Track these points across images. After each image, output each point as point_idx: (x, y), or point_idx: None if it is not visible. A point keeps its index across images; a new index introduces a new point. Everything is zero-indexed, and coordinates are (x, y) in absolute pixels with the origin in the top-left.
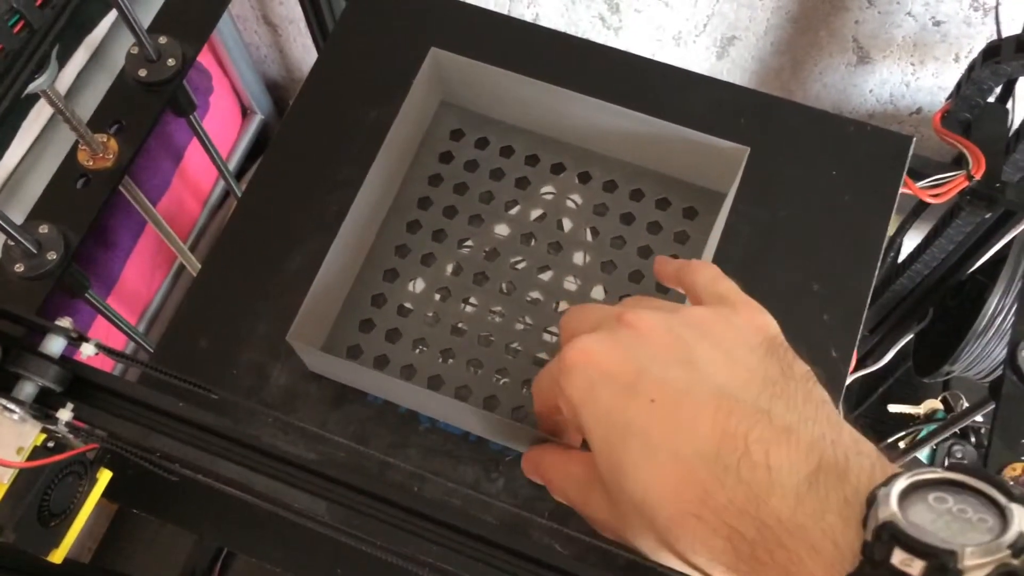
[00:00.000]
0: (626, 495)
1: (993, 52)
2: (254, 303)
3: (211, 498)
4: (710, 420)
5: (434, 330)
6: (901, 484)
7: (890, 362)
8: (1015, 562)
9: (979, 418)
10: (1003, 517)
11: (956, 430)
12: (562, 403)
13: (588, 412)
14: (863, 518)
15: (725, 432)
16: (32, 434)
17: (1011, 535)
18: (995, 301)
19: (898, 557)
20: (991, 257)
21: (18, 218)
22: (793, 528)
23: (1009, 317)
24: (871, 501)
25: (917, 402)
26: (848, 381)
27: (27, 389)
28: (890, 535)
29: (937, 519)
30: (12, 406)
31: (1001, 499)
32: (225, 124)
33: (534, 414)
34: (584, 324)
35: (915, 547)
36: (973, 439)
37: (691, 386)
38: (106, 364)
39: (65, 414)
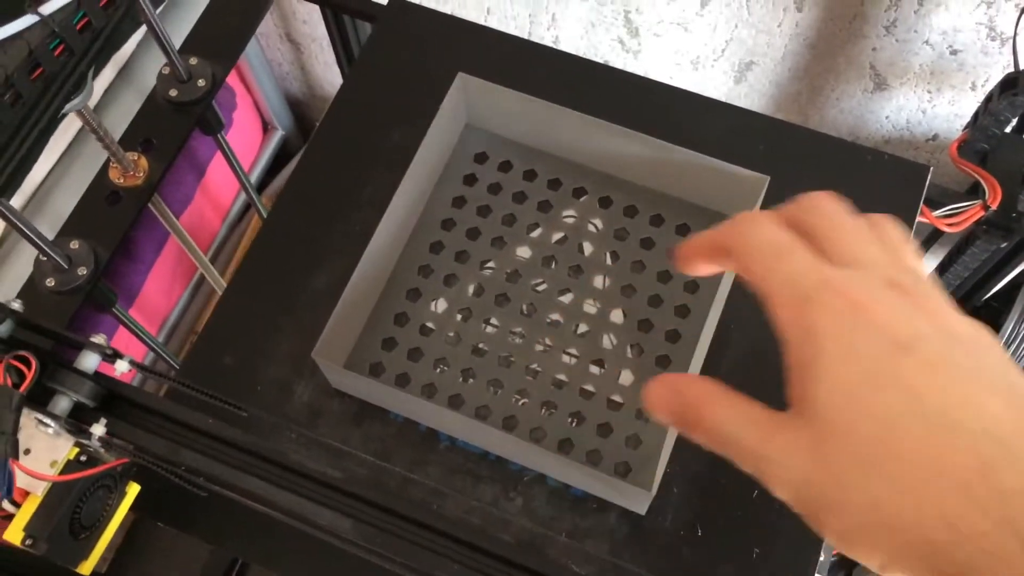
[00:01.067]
0: (858, 442)
1: (1010, 84)
2: (279, 320)
3: (232, 512)
4: (1003, 404)
5: (455, 350)
6: None
7: None
8: None
9: None
10: None
11: None
12: (790, 315)
13: (837, 348)
14: None
15: (1019, 422)
16: (66, 448)
17: None
18: (1010, 328)
19: None
20: (1006, 284)
21: (45, 233)
22: None
23: (1023, 344)
24: None
25: None
26: None
27: (62, 404)
28: None
29: None
30: (48, 420)
31: None
32: (247, 139)
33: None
34: (843, 250)
35: None
36: None
37: (980, 370)
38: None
39: (99, 429)
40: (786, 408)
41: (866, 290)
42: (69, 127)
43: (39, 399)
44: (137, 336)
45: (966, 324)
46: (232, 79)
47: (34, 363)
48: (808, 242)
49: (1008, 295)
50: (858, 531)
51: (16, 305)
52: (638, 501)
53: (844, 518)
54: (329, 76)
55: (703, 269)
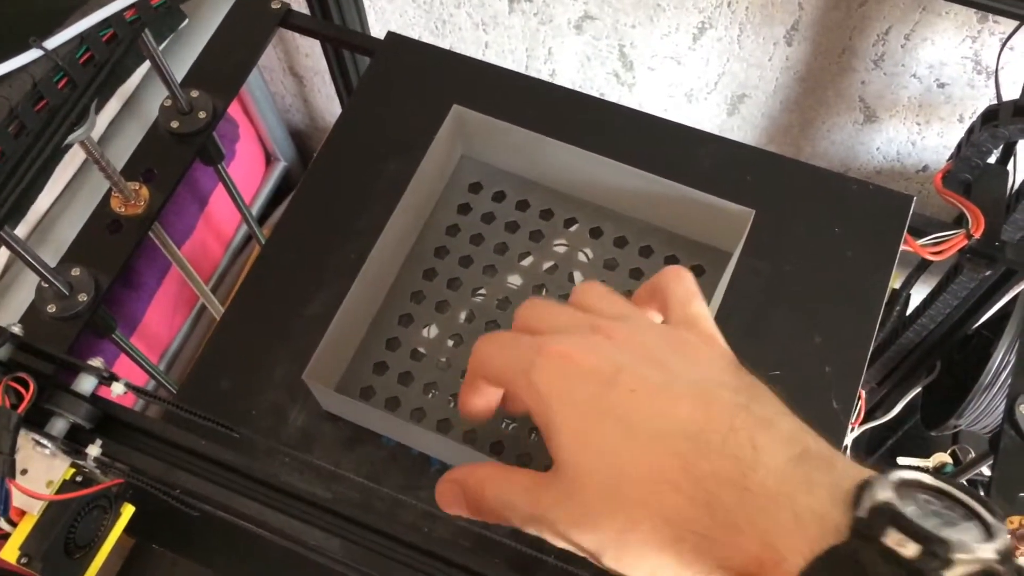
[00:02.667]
0: (597, 480)
1: (992, 116)
2: (274, 346)
3: (227, 535)
4: (690, 406)
5: (445, 375)
6: (899, 475)
7: (899, 415)
8: (1000, 567)
9: (987, 471)
10: (988, 531)
11: (963, 482)
12: (524, 393)
13: (562, 403)
14: (852, 500)
15: (707, 417)
16: (62, 468)
17: (998, 543)
18: (1000, 356)
19: (892, 538)
20: (996, 313)
21: (48, 260)
22: (779, 497)
23: (1013, 372)
24: (863, 486)
25: (927, 455)
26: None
27: (59, 425)
28: (888, 516)
29: (927, 516)
30: (44, 441)
31: (987, 516)
32: (250, 170)
33: (467, 383)
34: (551, 323)
35: (912, 531)
36: (981, 491)
37: (670, 382)
38: (125, 399)
39: (94, 450)
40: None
41: (570, 343)
42: (73, 159)
43: (36, 420)
44: (136, 362)
45: (661, 338)
46: (236, 111)
47: (32, 385)
48: (526, 332)
49: (998, 323)
50: (620, 555)
51: (16, 329)
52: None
53: (612, 547)
54: (331, 108)
55: (480, 405)
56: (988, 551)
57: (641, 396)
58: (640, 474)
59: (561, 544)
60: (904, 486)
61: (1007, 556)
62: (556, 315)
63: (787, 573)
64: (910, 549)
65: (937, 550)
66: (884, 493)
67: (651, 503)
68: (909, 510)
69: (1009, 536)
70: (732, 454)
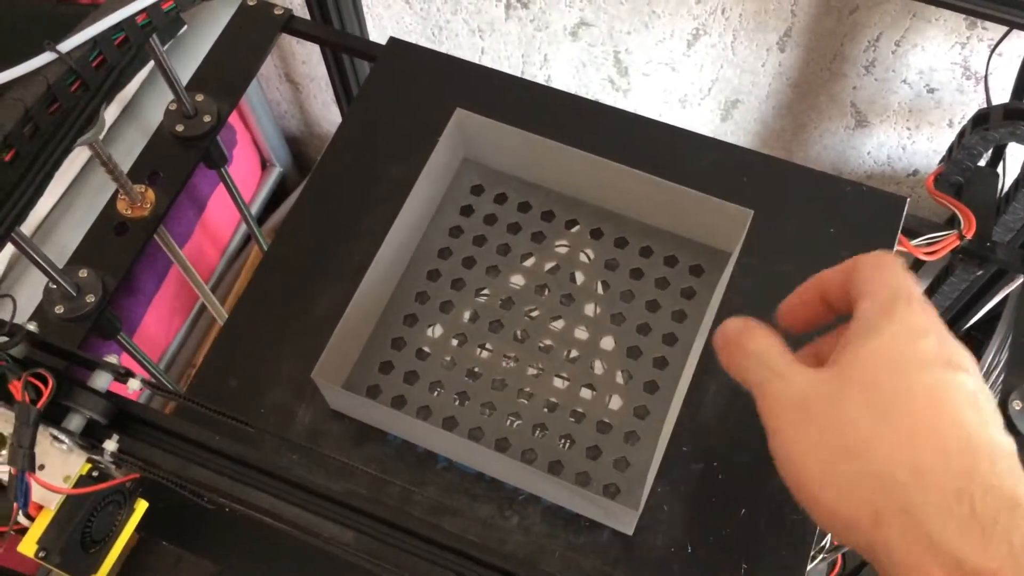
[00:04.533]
0: (877, 394)
1: (982, 119)
2: (281, 346)
3: (236, 531)
4: (998, 444)
5: (450, 373)
6: None
7: None
8: None
9: None
10: None
11: None
12: (880, 298)
13: (902, 333)
14: None
15: (993, 439)
16: (78, 463)
17: None
18: (991, 357)
19: None
20: (986, 314)
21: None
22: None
23: (1003, 373)
24: None
25: None
26: None
27: (75, 421)
28: None
29: None
30: (61, 436)
31: None
32: (246, 176)
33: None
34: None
35: None
36: None
37: (989, 404)
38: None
39: (111, 445)
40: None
41: (938, 322)
42: (73, 162)
43: (54, 416)
44: (140, 364)
45: (988, 392)
46: (232, 117)
47: (51, 381)
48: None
49: (988, 325)
50: (818, 447)
51: (31, 327)
52: (625, 521)
53: (814, 432)
54: (327, 115)
55: (822, 313)
56: None
57: (968, 395)
58: (922, 421)
59: (769, 409)
60: None
61: None
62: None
63: None
64: None
65: None
66: None
67: (912, 441)
68: None
69: None
70: (1009, 473)
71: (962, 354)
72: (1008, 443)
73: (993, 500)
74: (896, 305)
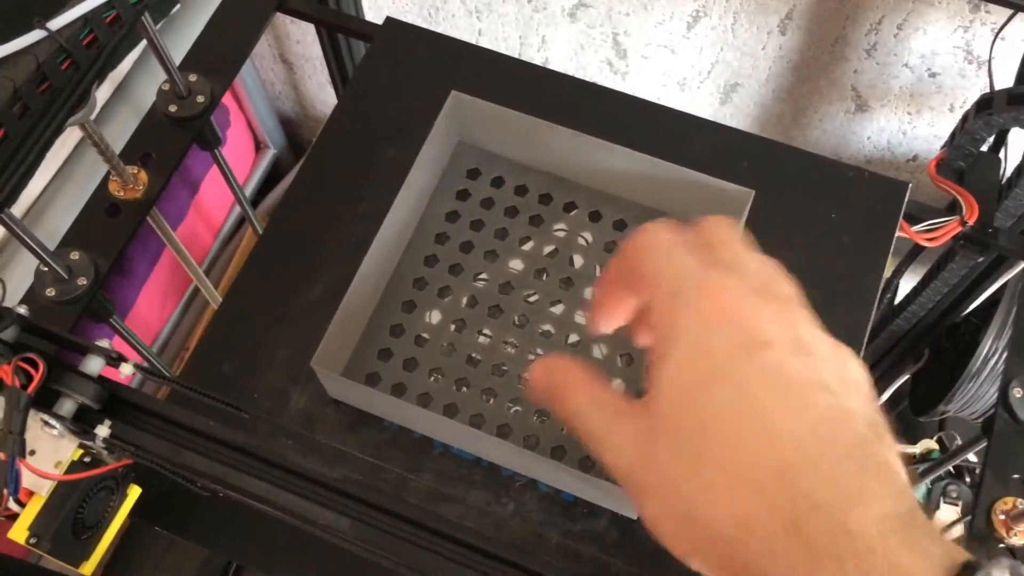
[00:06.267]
0: (683, 439)
1: (985, 104)
2: (276, 330)
3: (228, 517)
4: (820, 417)
5: (450, 360)
6: (1009, 563)
7: (887, 401)
8: None
9: (973, 457)
10: None
11: (950, 468)
12: (660, 307)
13: (691, 345)
14: (952, 572)
15: (832, 436)
16: (70, 449)
17: None
18: (988, 343)
19: None
20: (985, 300)
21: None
22: (876, 547)
23: (1002, 359)
24: (971, 566)
25: (913, 441)
26: None
27: (67, 406)
28: None
29: None
30: (53, 421)
31: None
32: (240, 157)
33: (606, 273)
34: (723, 256)
35: None
36: (967, 478)
37: (812, 384)
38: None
39: (103, 430)
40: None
41: (735, 293)
42: (65, 143)
43: (45, 401)
44: (133, 347)
45: (820, 340)
46: (226, 98)
47: (41, 366)
48: (698, 251)
49: (987, 311)
50: (665, 518)
51: (22, 310)
52: (629, 505)
53: (656, 505)
54: (321, 96)
55: (616, 311)
56: None
57: (774, 383)
58: (729, 456)
59: (610, 473)
60: (1014, 573)
61: None
62: (736, 251)
63: None
64: None
65: None
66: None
67: (727, 492)
68: None
69: None
70: (839, 485)
71: (757, 316)
72: (831, 408)
73: (819, 522)
74: (675, 305)
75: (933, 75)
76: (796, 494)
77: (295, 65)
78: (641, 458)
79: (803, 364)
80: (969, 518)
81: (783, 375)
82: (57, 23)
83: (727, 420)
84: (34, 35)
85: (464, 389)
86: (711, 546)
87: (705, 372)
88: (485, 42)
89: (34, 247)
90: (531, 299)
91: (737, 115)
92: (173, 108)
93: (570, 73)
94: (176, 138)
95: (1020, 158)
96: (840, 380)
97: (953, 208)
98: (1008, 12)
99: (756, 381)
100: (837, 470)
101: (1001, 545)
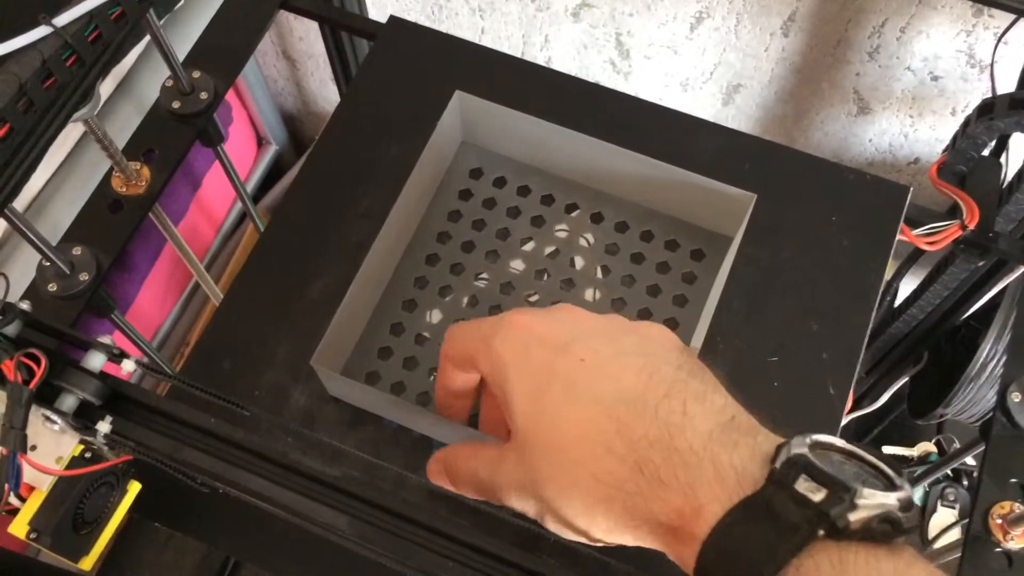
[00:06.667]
0: (542, 440)
1: (987, 109)
2: (276, 327)
3: (227, 513)
4: (633, 375)
5: None
6: (812, 437)
7: (885, 404)
8: (899, 513)
9: (970, 461)
10: (892, 485)
11: (948, 472)
12: (484, 360)
13: (517, 368)
14: (770, 458)
15: (647, 385)
16: (71, 444)
17: (901, 493)
18: (988, 347)
19: (803, 485)
20: (984, 304)
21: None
22: (702, 455)
23: (1001, 363)
24: (782, 446)
25: (911, 444)
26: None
27: (68, 401)
28: (801, 466)
29: (837, 469)
30: (54, 417)
31: (891, 472)
32: (242, 154)
33: (440, 372)
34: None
35: (821, 478)
36: (965, 481)
37: (617, 354)
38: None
39: (104, 426)
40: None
41: (531, 314)
42: (67, 139)
43: (46, 396)
44: (134, 343)
45: (614, 322)
46: (228, 94)
47: (43, 361)
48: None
49: (986, 315)
50: (572, 513)
51: (24, 305)
52: None
53: (549, 508)
54: (324, 93)
55: (455, 392)
56: (890, 499)
57: (589, 364)
58: (579, 435)
59: (518, 509)
60: (818, 446)
61: (907, 505)
62: (518, 310)
63: (705, 520)
64: (819, 495)
65: (843, 495)
66: (799, 448)
67: (587, 463)
68: (820, 462)
69: (906, 487)
70: (664, 419)
71: (560, 324)
72: (642, 366)
73: (656, 455)
74: (492, 346)
75: (935, 78)
76: (635, 440)
77: (298, 62)
78: (524, 481)
79: (606, 343)
80: (966, 521)
81: (595, 357)
82: (63, 19)
83: (567, 408)
84: (40, 31)
85: None
86: (601, 513)
87: (533, 378)
88: (488, 41)
89: (36, 242)
90: (532, 299)
91: (739, 116)
92: (176, 104)
93: (573, 73)
94: (179, 135)
95: (1021, 163)
96: (641, 343)
97: (954, 212)
98: (1011, 17)
99: (575, 370)
100: (661, 410)
101: (998, 549)
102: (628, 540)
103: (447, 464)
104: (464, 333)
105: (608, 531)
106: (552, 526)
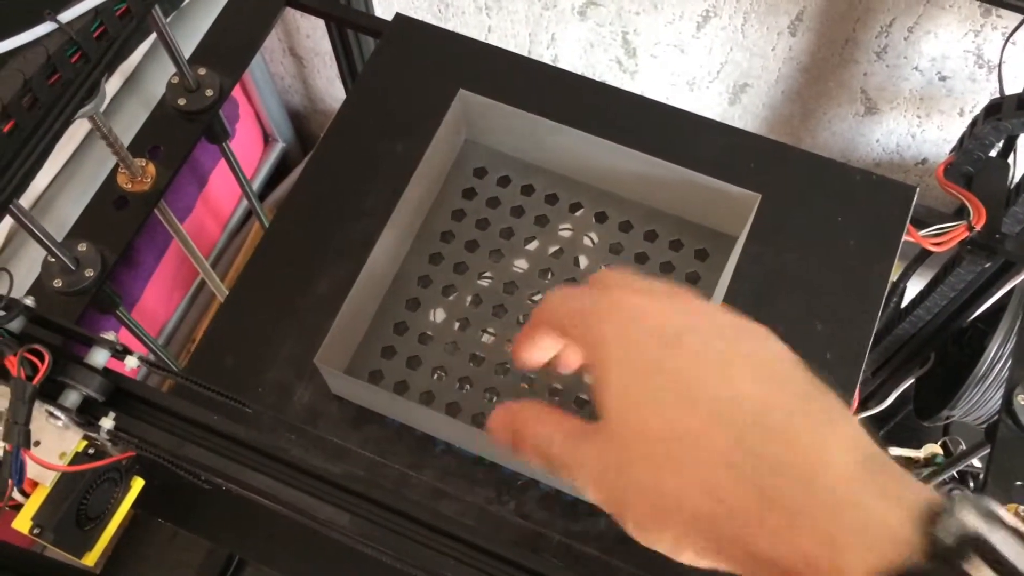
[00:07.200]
0: (640, 435)
1: (995, 109)
2: (280, 325)
3: (230, 510)
4: (754, 384)
5: (453, 358)
6: (980, 503)
7: (892, 405)
8: None
9: (977, 463)
10: None
11: (954, 473)
12: (582, 336)
13: (621, 353)
14: (928, 519)
15: (772, 399)
16: (74, 440)
17: None
18: (994, 348)
19: (974, 566)
20: (991, 305)
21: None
22: (844, 497)
23: (1007, 365)
24: (944, 509)
25: (917, 446)
26: None
27: (72, 398)
28: (974, 544)
29: (1011, 550)
30: (58, 413)
31: None
32: (248, 151)
33: (528, 328)
34: (624, 280)
35: (996, 562)
36: (971, 484)
37: (737, 357)
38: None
39: (107, 422)
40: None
41: (640, 296)
42: (73, 136)
43: (50, 392)
44: (139, 339)
45: (731, 318)
46: (235, 91)
47: (47, 357)
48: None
49: (993, 316)
50: (645, 520)
51: (28, 301)
52: None
53: (633, 511)
54: (330, 90)
55: (536, 354)
56: None
57: (705, 362)
58: (689, 439)
59: (586, 495)
60: (989, 517)
61: None
62: (628, 279)
63: None
64: None
65: None
66: (974, 521)
67: (695, 470)
68: (996, 541)
69: None
70: (794, 442)
71: (674, 313)
72: (764, 379)
73: (786, 484)
74: (592, 322)
75: (943, 79)
76: (758, 457)
77: (304, 59)
78: (607, 471)
79: (725, 343)
80: None
81: (709, 354)
82: (68, 15)
83: (671, 405)
84: (44, 27)
85: (467, 388)
86: (695, 529)
87: (638, 370)
88: (494, 39)
89: (42, 238)
90: (535, 298)
91: (746, 116)
92: (182, 101)
93: (579, 71)
94: (185, 131)
95: None
96: (764, 351)
97: (961, 213)
98: (1019, 17)
99: (686, 364)
100: (790, 428)
101: None
102: (715, 566)
103: (516, 421)
104: (564, 303)
105: (701, 551)
106: (632, 530)
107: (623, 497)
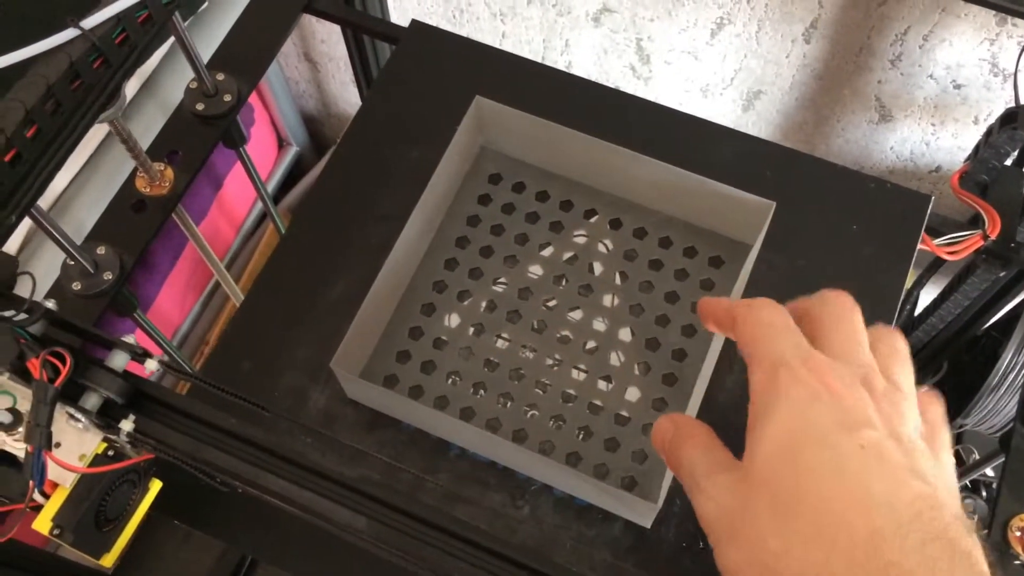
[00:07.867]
0: (780, 495)
1: (1010, 118)
2: (296, 328)
3: (246, 512)
4: (911, 496)
5: (468, 363)
6: None
7: None
8: None
9: (990, 472)
10: None
11: (967, 483)
12: (763, 372)
13: (791, 414)
14: None
15: (921, 511)
16: (94, 442)
17: None
18: (1008, 357)
19: None
20: (1006, 314)
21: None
22: None
23: (1021, 374)
24: None
25: None
26: None
27: (92, 400)
28: None
29: None
30: (78, 415)
31: None
32: (263, 154)
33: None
34: (835, 341)
35: None
36: (984, 493)
37: (905, 466)
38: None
39: (127, 425)
40: None
41: (838, 377)
42: (91, 140)
43: (71, 394)
44: (156, 342)
45: (916, 437)
46: (250, 96)
47: (68, 359)
48: (808, 330)
49: (1007, 325)
50: (746, 568)
51: (50, 304)
52: (644, 514)
53: (740, 554)
54: (345, 95)
55: (711, 328)
56: None
57: (871, 456)
58: (822, 516)
59: (700, 520)
60: None
61: None
62: (846, 340)
63: None
64: None
65: None
66: None
67: (816, 546)
68: None
69: None
70: (929, 563)
71: (860, 401)
72: (923, 492)
73: None
74: (778, 376)
75: (958, 87)
76: (885, 563)
77: (319, 64)
78: (732, 508)
79: (900, 450)
80: (985, 533)
81: (880, 454)
82: (90, 22)
83: (822, 482)
84: (67, 34)
85: (481, 393)
86: None
87: (803, 437)
88: (509, 45)
89: (61, 241)
90: (550, 304)
91: (759, 123)
92: (200, 106)
93: (593, 77)
94: (202, 136)
95: None
96: (933, 473)
97: (975, 222)
98: None
99: (854, 453)
100: (926, 549)
101: (1017, 562)
102: None
103: (676, 435)
104: (769, 340)
105: None
106: (722, 564)
107: (735, 537)
